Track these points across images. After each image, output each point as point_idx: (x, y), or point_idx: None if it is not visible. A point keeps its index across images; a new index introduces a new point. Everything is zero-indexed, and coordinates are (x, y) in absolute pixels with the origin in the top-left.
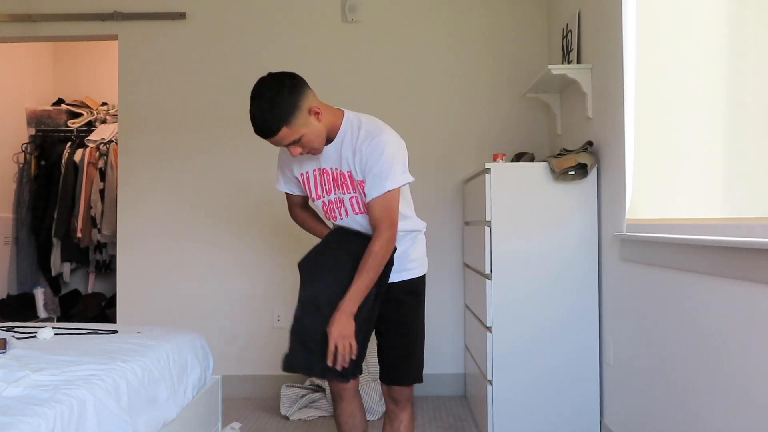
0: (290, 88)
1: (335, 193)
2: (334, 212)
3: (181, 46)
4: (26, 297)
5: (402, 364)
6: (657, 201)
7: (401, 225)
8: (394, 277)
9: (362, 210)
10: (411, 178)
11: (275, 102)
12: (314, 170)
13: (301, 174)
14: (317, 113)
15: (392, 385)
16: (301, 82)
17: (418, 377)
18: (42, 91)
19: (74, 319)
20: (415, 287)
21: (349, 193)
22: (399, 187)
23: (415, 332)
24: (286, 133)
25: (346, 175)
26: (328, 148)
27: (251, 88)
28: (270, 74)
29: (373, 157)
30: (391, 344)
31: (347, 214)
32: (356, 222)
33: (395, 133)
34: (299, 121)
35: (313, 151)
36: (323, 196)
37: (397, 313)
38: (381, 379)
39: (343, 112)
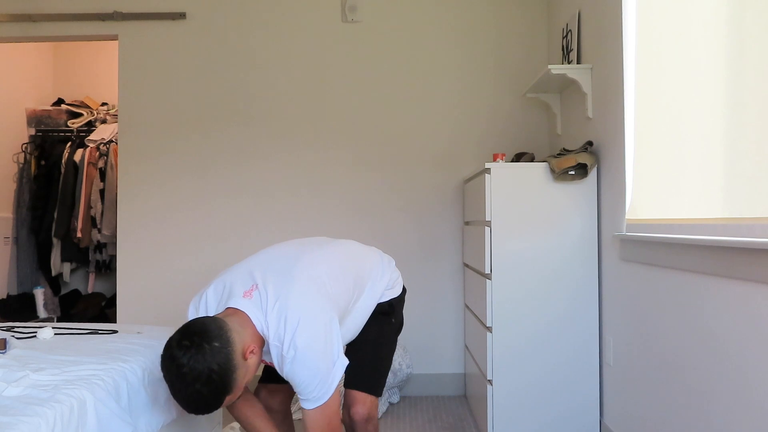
0: (213, 352)
1: None
2: None
3: (181, 46)
4: (26, 297)
5: (361, 370)
6: (657, 201)
7: (367, 301)
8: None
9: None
10: (339, 375)
11: (203, 380)
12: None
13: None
14: (252, 351)
15: (346, 387)
16: (219, 334)
17: (372, 388)
18: (42, 91)
19: (74, 319)
20: (385, 307)
21: None
22: (330, 403)
23: (377, 347)
24: (229, 398)
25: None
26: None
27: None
28: (177, 344)
29: (299, 368)
30: (353, 353)
31: None
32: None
33: (317, 314)
34: (240, 376)
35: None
36: None
37: (365, 328)
38: (344, 384)
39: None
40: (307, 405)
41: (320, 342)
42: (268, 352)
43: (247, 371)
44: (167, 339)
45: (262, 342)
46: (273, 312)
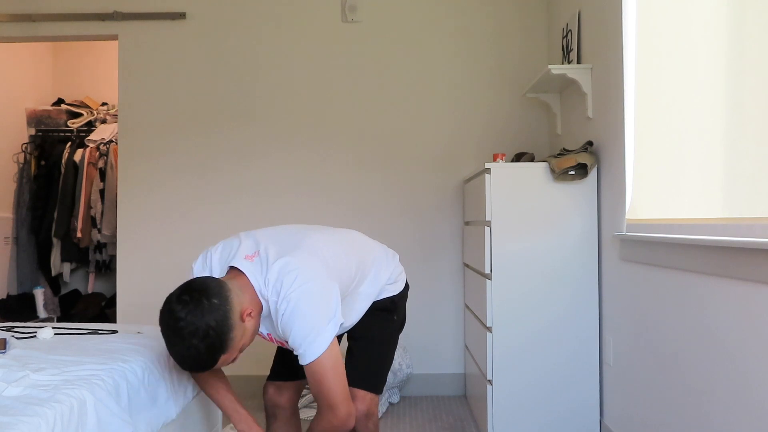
0: (211, 309)
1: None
2: None
3: (181, 46)
4: (26, 297)
5: (361, 367)
6: (657, 201)
7: (369, 288)
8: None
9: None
10: (334, 331)
11: (201, 334)
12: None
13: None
14: (250, 313)
15: (348, 386)
16: (219, 291)
17: (372, 386)
18: (42, 91)
19: (74, 319)
20: (387, 304)
21: None
22: (327, 355)
23: (377, 345)
24: (224, 358)
25: (281, 339)
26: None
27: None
28: (176, 298)
29: (292, 322)
30: (355, 351)
31: None
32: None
33: (317, 274)
34: (237, 337)
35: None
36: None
37: (366, 324)
38: None
39: (252, 281)
40: (304, 360)
41: (316, 297)
42: (267, 317)
43: (244, 333)
44: (166, 297)
45: (261, 307)
46: (272, 270)
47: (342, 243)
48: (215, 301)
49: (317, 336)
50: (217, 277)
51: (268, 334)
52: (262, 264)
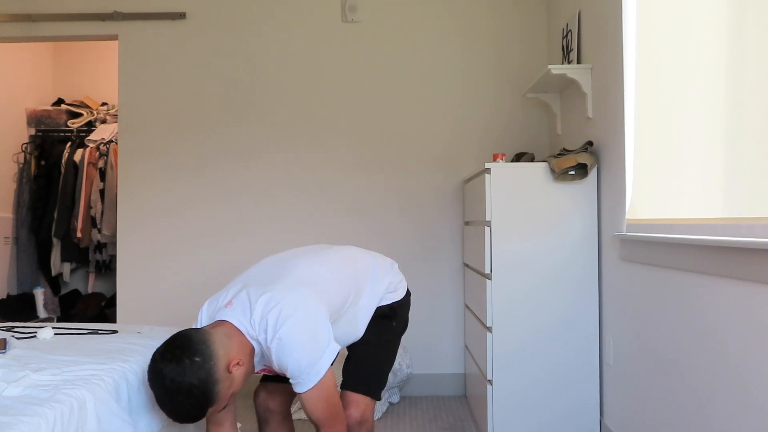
0: (193, 366)
1: None
2: None
3: (181, 46)
4: (26, 297)
5: (357, 371)
6: (657, 201)
7: (367, 302)
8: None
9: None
10: (332, 357)
11: (185, 393)
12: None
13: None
14: (239, 365)
15: (342, 389)
16: (201, 345)
17: (367, 390)
18: (42, 91)
19: (74, 319)
20: (386, 311)
21: None
22: (323, 384)
23: (375, 350)
24: (213, 409)
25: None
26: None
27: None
28: (161, 357)
29: (287, 358)
30: (353, 356)
31: None
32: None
33: (300, 303)
34: (224, 389)
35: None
36: None
37: (367, 331)
38: (341, 386)
39: (236, 325)
40: (300, 388)
41: (304, 329)
42: (261, 355)
43: (231, 383)
44: (153, 354)
45: (251, 350)
46: (256, 311)
47: (331, 263)
48: (197, 359)
49: (313, 367)
50: (201, 327)
51: (263, 368)
52: (243, 306)
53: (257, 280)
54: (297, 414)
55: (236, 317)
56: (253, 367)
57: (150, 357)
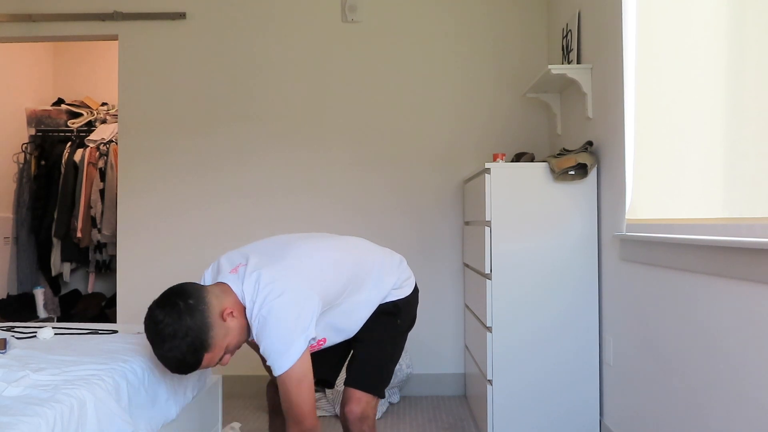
0: (187, 309)
1: None
2: None
3: (181, 46)
4: (26, 297)
5: (360, 368)
6: (657, 201)
7: (369, 295)
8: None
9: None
10: (303, 346)
11: (180, 335)
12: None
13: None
14: (231, 314)
15: (345, 385)
16: (195, 293)
17: (369, 387)
18: (42, 91)
19: (74, 319)
20: (390, 308)
21: None
22: (296, 369)
23: (378, 346)
24: (209, 357)
25: None
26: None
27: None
28: (156, 304)
29: (263, 335)
30: (357, 352)
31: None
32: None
33: (292, 286)
34: (217, 337)
35: (242, 344)
36: None
37: (369, 327)
38: (344, 382)
39: (233, 289)
40: (274, 371)
41: (288, 311)
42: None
43: (227, 332)
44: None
45: (243, 309)
46: (248, 282)
47: (335, 250)
48: (191, 301)
49: (287, 350)
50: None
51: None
52: (241, 275)
53: (260, 256)
54: None
55: (234, 282)
56: (248, 327)
57: (149, 357)
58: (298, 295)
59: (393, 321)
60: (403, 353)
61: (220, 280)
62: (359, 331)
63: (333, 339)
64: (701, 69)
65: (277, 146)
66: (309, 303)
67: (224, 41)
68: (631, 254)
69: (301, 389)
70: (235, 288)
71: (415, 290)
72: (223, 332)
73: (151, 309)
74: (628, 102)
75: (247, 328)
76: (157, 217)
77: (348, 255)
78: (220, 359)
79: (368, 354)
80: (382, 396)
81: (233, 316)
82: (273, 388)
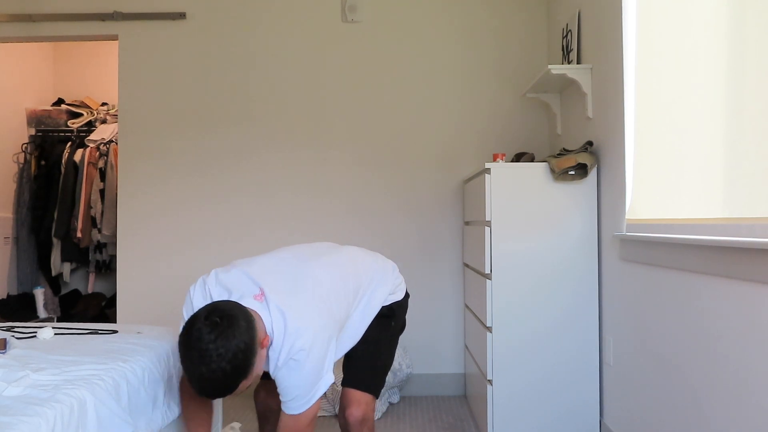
0: (239, 332)
1: None
2: None
3: (181, 46)
4: (26, 297)
5: (358, 369)
6: (657, 201)
7: (367, 309)
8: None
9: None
10: (322, 391)
11: (228, 359)
12: None
13: None
14: (266, 344)
15: (343, 386)
16: (245, 316)
17: (368, 387)
18: (42, 91)
19: (74, 319)
20: (384, 311)
21: None
22: (311, 411)
23: (375, 347)
24: (243, 385)
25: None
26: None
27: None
28: (205, 319)
29: (288, 380)
30: (353, 353)
31: None
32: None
33: (317, 332)
34: (258, 363)
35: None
36: None
37: (367, 328)
38: (342, 383)
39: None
40: (286, 409)
41: (314, 357)
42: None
43: (261, 360)
44: (190, 317)
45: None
46: (276, 314)
47: (340, 267)
48: (243, 323)
49: (309, 397)
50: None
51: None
52: (269, 305)
53: (274, 284)
54: None
55: (262, 311)
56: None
57: (149, 357)
58: (324, 343)
59: (387, 323)
60: (403, 353)
61: (244, 304)
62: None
63: (337, 355)
64: (701, 69)
65: (277, 146)
66: (331, 345)
67: (224, 41)
68: (631, 254)
69: (313, 422)
70: (265, 319)
71: (407, 295)
72: (260, 360)
73: (197, 322)
74: (628, 102)
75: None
76: (157, 217)
77: (351, 270)
78: (245, 388)
79: (365, 355)
80: (378, 396)
81: (264, 346)
82: (263, 392)
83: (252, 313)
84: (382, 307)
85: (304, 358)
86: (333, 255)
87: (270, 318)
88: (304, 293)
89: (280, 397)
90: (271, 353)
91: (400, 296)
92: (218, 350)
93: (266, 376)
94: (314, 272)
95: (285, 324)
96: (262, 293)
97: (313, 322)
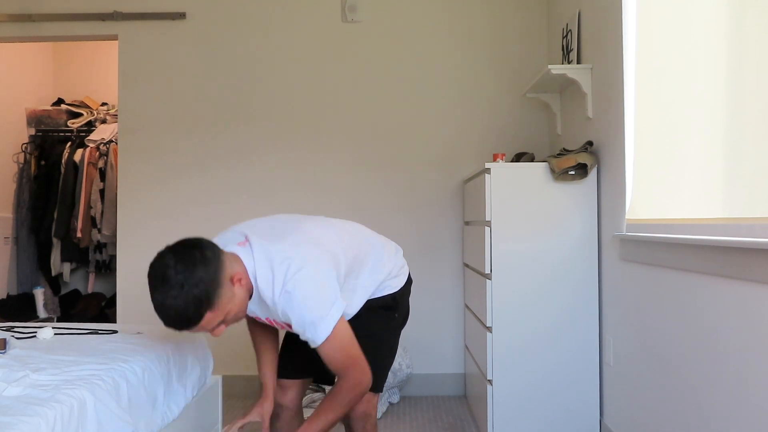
0: (203, 261)
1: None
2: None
3: (181, 46)
4: (26, 297)
5: None
6: (657, 201)
7: (366, 280)
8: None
9: None
10: (339, 311)
11: (189, 286)
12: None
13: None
14: (239, 281)
15: None
16: (212, 248)
17: (375, 386)
18: (42, 91)
19: (74, 319)
20: (389, 301)
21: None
22: (338, 330)
23: (378, 343)
24: (209, 318)
25: (283, 324)
26: (251, 304)
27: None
28: (169, 250)
29: (293, 311)
30: None
31: None
32: None
33: (310, 260)
34: (223, 298)
35: (238, 320)
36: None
37: (367, 322)
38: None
39: (243, 259)
40: (312, 344)
41: (312, 284)
42: (261, 302)
43: (232, 297)
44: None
45: (251, 284)
46: (261, 260)
47: (337, 232)
48: (208, 253)
49: (321, 319)
50: None
51: (266, 318)
52: (253, 250)
53: (264, 231)
54: (304, 412)
55: (244, 255)
56: (247, 299)
57: (149, 357)
58: (316, 266)
59: (391, 315)
60: (403, 353)
61: (227, 251)
62: (357, 326)
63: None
64: (701, 69)
65: (277, 146)
66: (329, 273)
67: (224, 41)
68: (631, 254)
69: (353, 343)
70: (246, 261)
71: (409, 280)
72: (229, 295)
73: (162, 253)
74: (628, 102)
75: (246, 305)
76: (157, 217)
77: (352, 237)
78: (215, 327)
79: (368, 351)
80: (382, 391)
81: (240, 284)
82: (276, 388)
83: (229, 254)
84: (385, 297)
85: (299, 282)
86: (332, 221)
87: (253, 261)
88: (292, 237)
89: (301, 336)
90: (265, 292)
91: (402, 281)
92: (178, 276)
93: (277, 374)
94: (308, 227)
95: (271, 262)
96: (247, 239)
97: (304, 253)
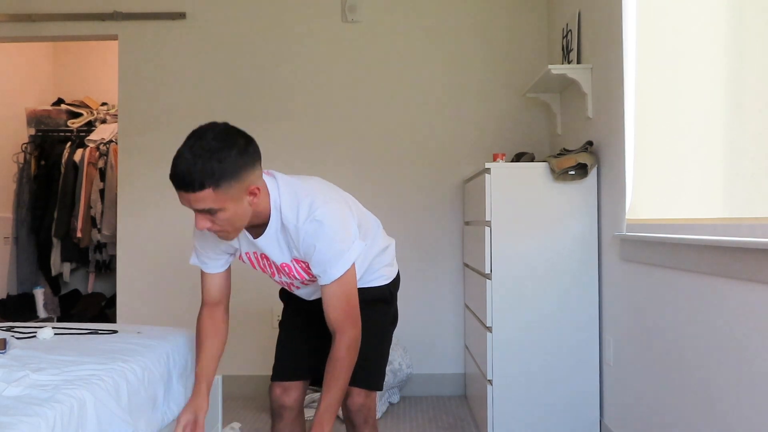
0: (241, 150)
1: (285, 278)
2: (288, 287)
3: (181, 46)
4: (26, 297)
5: (358, 365)
6: (657, 201)
7: (370, 252)
8: (361, 284)
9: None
10: (358, 251)
11: (215, 155)
12: (254, 253)
13: (244, 252)
14: (254, 194)
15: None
16: (256, 151)
17: (374, 383)
18: (42, 91)
19: (74, 319)
20: (386, 294)
21: (299, 279)
22: (350, 274)
23: (374, 340)
24: (208, 195)
25: (292, 266)
26: (264, 239)
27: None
28: (225, 124)
29: (319, 240)
30: None
31: (299, 288)
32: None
33: (334, 199)
34: (231, 191)
35: (223, 235)
36: (274, 275)
37: (366, 318)
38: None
39: (270, 193)
40: (325, 280)
41: (338, 217)
42: (273, 239)
43: (239, 201)
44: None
45: (262, 206)
46: (286, 191)
47: (345, 198)
48: (250, 149)
49: (342, 255)
50: None
51: (273, 267)
52: (278, 182)
53: (285, 176)
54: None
55: (270, 183)
56: (241, 228)
57: (149, 357)
58: (340, 205)
59: (386, 310)
60: (403, 353)
61: None
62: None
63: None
64: (701, 69)
65: (277, 146)
66: (350, 215)
67: (224, 41)
68: (631, 254)
69: (355, 295)
70: (271, 188)
71: (398, 276)
72: (238, 195)
73: (220, 123)
74: (628, 102)
75: (243, 222)
76: (157, 218)
77: (355, 204)
78: (203, 213)
79: (365, 349)
80: (382, 389)
81: (254, 198)
82: (278, 390)
83: (258, 176)
84: (383, 287)
85: (327, 214)
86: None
87: (277, 189)
88: (312, 182)
89: (314, 271)
90: (288, 217)
91: (395, 272)
92: (212, 143)
93: (279, 374)
94: (324, 184)
95: (297, 195)
96: (271, 173)
97: (328, 194)
